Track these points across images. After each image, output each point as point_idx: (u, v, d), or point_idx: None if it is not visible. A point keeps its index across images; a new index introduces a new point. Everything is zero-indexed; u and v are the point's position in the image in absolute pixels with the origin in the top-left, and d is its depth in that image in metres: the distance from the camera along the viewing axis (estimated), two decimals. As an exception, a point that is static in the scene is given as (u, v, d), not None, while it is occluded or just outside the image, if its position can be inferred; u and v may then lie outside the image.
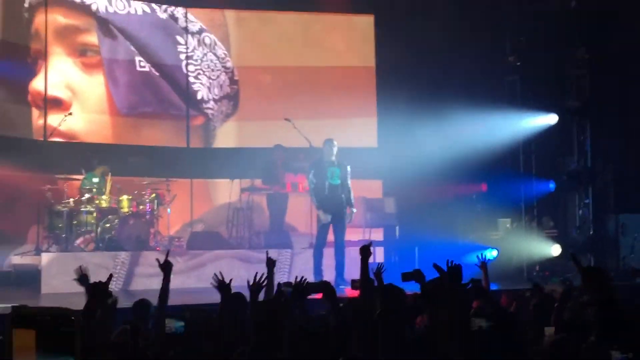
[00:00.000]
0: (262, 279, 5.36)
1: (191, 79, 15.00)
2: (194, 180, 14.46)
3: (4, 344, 2.25)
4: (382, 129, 15.36)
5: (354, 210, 11.44)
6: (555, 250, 13.06)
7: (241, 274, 11.55)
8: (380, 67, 15.43)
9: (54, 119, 13.32)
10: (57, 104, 13.71)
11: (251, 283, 5.29)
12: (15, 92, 13.49)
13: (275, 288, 5.64)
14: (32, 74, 13.65)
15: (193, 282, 11.37)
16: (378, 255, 13.05)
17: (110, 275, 5.17)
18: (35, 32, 13.81)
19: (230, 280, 5.31)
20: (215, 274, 5.34)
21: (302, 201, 13.04)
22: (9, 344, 2.10)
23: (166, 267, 5.46)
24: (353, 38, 15.91)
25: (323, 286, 5.22)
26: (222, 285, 5.23)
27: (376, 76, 15.57)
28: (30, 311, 2.22)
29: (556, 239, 13.32)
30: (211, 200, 14.47)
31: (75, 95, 14.06)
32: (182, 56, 14.95)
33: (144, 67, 14.74)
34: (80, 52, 14.26)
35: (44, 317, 2.04)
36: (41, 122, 13.54)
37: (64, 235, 11.89)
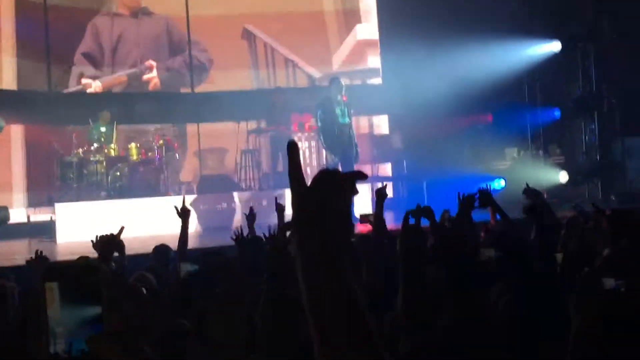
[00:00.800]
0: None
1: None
2: (201, 124, 14.48)
3: (37, 299, 2.32)
4: (386, 66, 15.31)
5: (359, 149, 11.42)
6: (562, 177, 13.08)
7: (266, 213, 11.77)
8: (382, 4, 15.33)
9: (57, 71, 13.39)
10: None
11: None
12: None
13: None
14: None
15: (206, 224, 11.52)
16: (388, 190, 13.14)
17: (122, 227, 5.20)
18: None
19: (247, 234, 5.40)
20: (235, 230, 5.36)
21: (309, 140, 13.14)
22: (42, 299, 2.15)
23: (184, 214, 5.53)
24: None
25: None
26: (241, 241, 5.30)
27: (378, 13, 15.45)
28: (57, 264, 2.29)
29: (563, 166, 13.33)
30: (219, 143, 14.43)
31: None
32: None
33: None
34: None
35: (70, 269, 2.10)
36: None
37: (75, 185, 12.02)
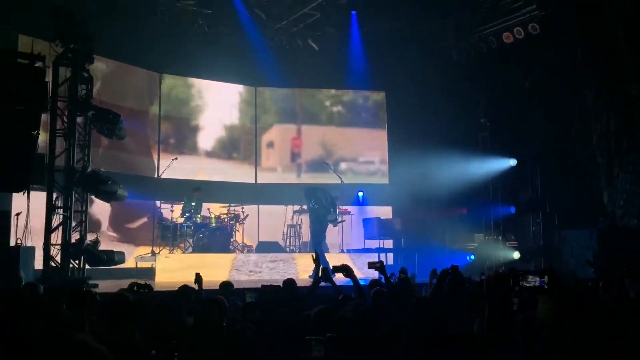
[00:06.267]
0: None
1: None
2: (261, 205, 14.66)
3: None
4: (392, 172, 15.57)
5: None
6: (516, 255, 13.05)
7: (292, 269, 11.75)
8: (391, 130, 15.72)
9: (164, 163, 13.72)
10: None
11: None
12: (139, 143, 13.87)
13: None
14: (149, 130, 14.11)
15: (261, 275, 11.54)
16: (389, 259, 13.14)
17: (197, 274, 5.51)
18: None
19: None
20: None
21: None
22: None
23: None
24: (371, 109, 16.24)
25: (343, 267, 5.24)
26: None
27: (388, 137, 15.83)
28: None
29: (516, 248, 13.28)
30: (272, 219, 14.55)
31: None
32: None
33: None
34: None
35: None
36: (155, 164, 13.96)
37: (171, 242, 12.16)
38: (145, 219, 13.22)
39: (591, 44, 11.66)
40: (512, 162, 13.75)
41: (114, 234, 12.72)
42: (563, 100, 12.60)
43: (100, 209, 12.13)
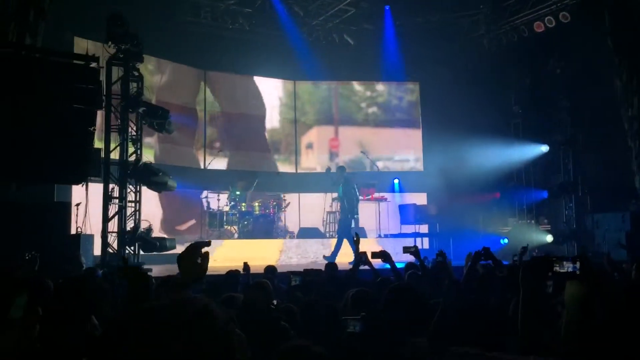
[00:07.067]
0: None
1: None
2: (301, 193, 14.70)
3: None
4: (426, 159, 15.43)
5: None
6: (549, 238, 12.83)
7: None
8: (426, 119, 15.55)
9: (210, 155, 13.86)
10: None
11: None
12: (186, 137, 14.01)
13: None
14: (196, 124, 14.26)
15: (302, 260, 11.60)
16: (425, 243, 13.07)
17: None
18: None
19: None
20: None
21: (372, 205, 13.25)
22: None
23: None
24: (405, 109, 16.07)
25: (382, 253, 5.22)
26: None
27: (422, 125, 15.66)
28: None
29: (549, 231, 13.06)
30: (313, 206, 14.58)
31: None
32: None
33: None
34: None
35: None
36: (202, 156, 14.10)
37: (217, 229, 12.30)
38: (193, 221, 13.34)
39: (621, 30, 11.32)
40: (544, 147, 13.53)
41: (165, 235, 12.92)
42: (594, 86, 12.29)
43: (153, 213, 12.37)
